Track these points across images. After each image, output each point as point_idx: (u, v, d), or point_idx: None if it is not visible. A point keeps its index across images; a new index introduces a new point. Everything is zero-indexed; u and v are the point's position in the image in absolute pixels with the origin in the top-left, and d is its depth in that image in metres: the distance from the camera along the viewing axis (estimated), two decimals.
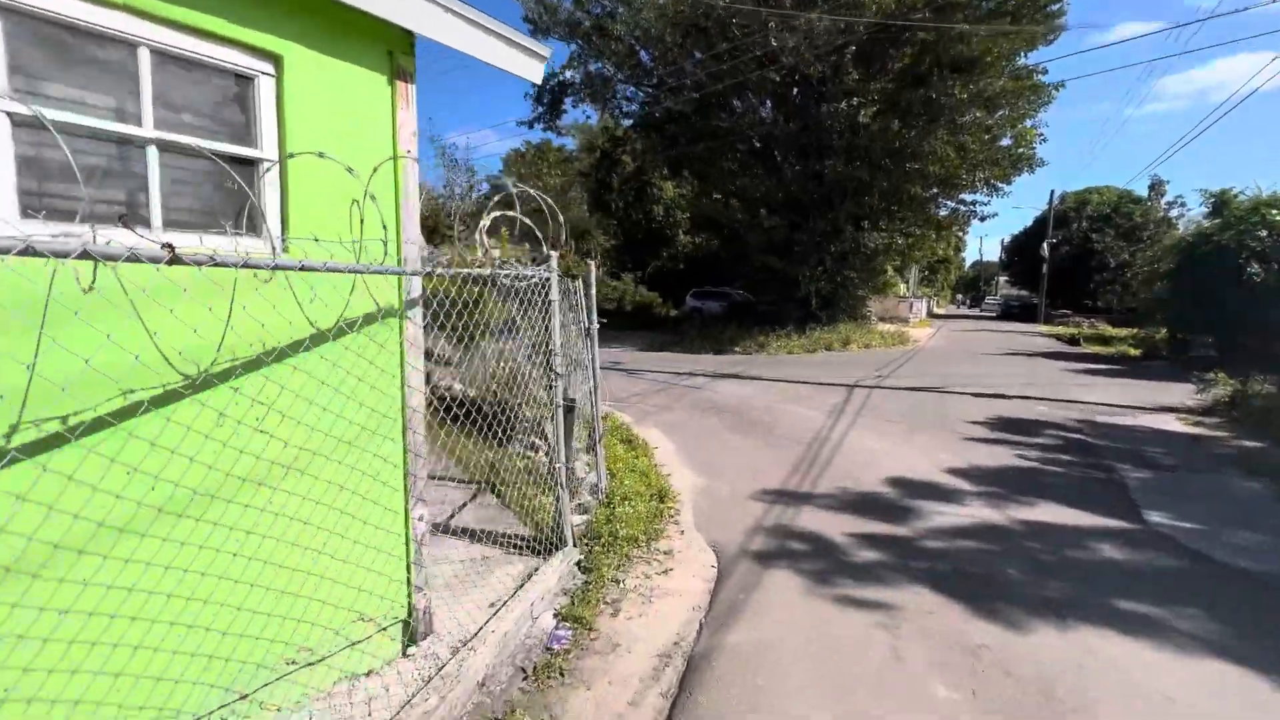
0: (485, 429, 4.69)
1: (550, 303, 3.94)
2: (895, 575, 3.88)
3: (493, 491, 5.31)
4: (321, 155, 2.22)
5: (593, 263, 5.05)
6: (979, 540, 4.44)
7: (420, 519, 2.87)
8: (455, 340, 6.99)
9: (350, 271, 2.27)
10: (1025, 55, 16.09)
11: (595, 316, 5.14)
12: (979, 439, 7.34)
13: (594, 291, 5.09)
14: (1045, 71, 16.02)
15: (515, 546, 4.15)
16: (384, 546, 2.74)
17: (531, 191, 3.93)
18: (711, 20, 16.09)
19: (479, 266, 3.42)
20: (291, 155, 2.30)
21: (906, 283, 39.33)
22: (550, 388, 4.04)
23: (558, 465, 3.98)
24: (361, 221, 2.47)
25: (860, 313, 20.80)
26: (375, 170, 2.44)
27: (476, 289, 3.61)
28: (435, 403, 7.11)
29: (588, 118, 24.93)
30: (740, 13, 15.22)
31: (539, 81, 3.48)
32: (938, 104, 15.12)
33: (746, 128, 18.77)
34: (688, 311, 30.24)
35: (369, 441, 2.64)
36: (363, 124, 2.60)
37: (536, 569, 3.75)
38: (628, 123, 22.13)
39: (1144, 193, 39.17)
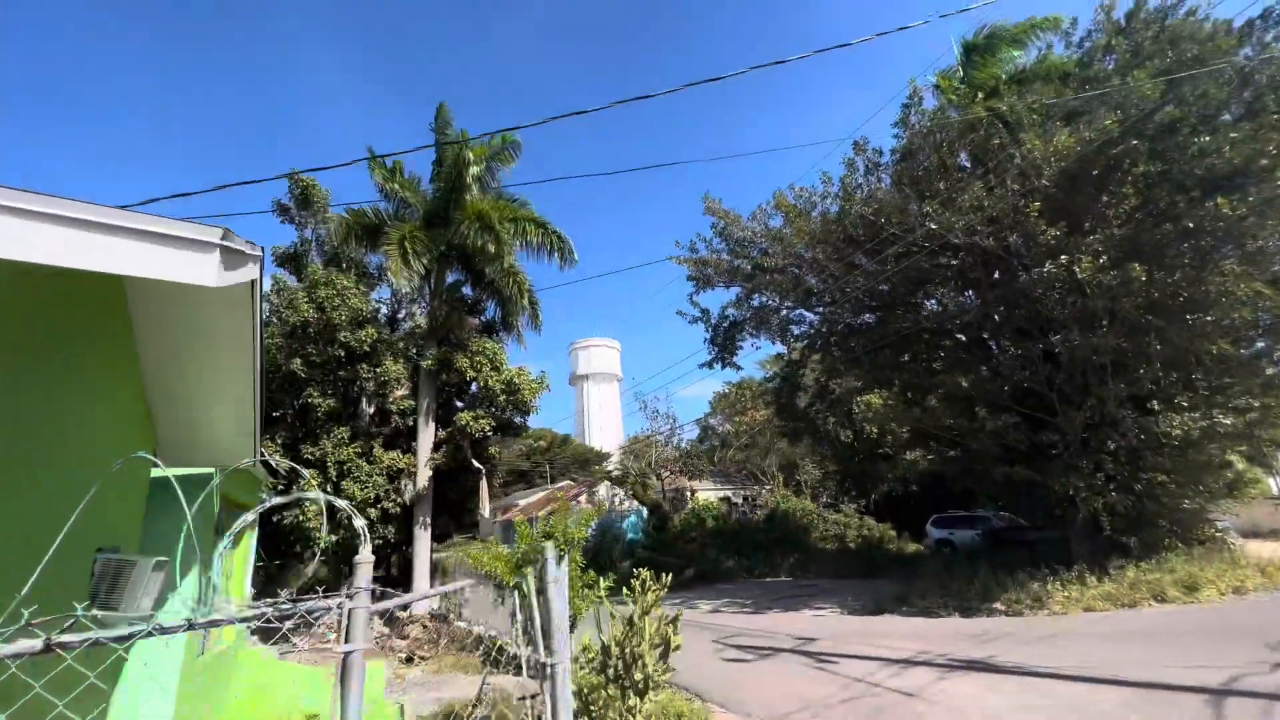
0: None
1: (347, 664, 2.07)
2: None
3: None
4: None
5: (549, 545, 3.12)
6: None
7: None
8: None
9: None
10: None
11: (563, 641, 3.00)
12: None
13: (561, 594, 3.04)
14: None
15: None
16: None
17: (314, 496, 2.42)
18: (860, 228, 15.11)
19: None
20: None
21: (1276, 473, 27.04)
22: None
23: None
24: None
25: (1200, 531, 13.73)
26: None
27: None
28: None
29: (756, 348, 24.48)
30: (885, 211, 14.01)
31: (212, 284, 2.25)
32: (1204, 233, 11.06)
33: (938, 321, 16.06)
34: (931, 545, 24.14)
35: None
36: None
37: None
38: (798, 345, 20.97)
39: None
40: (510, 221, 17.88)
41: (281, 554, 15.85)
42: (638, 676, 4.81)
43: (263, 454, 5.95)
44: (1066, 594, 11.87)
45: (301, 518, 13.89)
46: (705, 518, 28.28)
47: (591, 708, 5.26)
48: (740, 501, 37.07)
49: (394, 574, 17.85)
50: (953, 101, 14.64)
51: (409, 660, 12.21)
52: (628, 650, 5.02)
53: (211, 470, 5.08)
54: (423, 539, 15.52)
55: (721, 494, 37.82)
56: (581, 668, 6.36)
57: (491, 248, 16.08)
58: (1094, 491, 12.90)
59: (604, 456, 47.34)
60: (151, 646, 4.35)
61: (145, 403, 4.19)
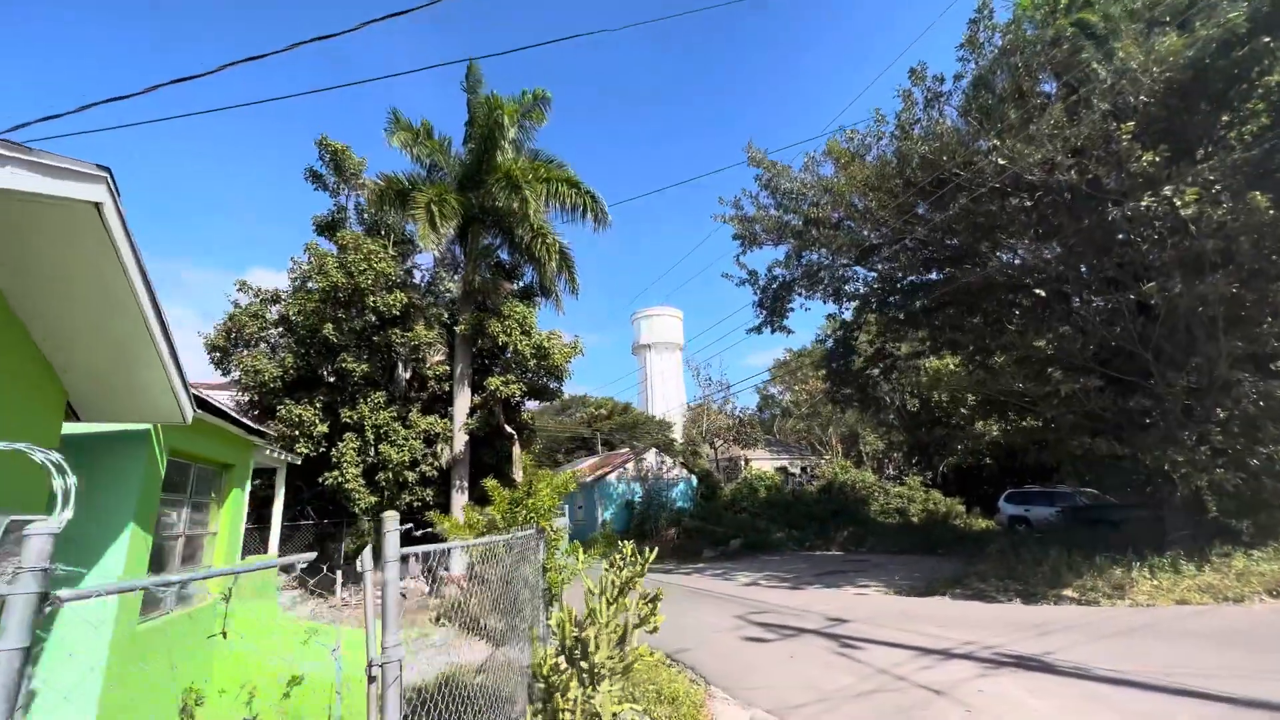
0: None
1: None
2: None
3: None
4: None
5: (389, 517, 2.50)
6: None
7: None
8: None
9: None
10: None
11: (397, 635, 2.40)
12: None
13: (393, 579, 2.42)
14: None
15: None
16: None
17: None
18: (919, 169, 13.39)
19: None
20: None
21: None
22: None
23: None
24: None
25: None
26: None
27: None
28: None
29: (807, 309, 22.90)
30: (948, 149, 12.28)
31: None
32: None
33: (1011, 275, 14.17)
34: (1004, 522, 22.25)
35: None
36: None
37: None
38: (852, 304, 19.34)
39: None
40: (542, 181, 17.27)
41: (330, 514, 16.47)
42: (585, 666, 4.22)
43: (217, 405, 5.71)
44: (1155, 582, 10.29)
45: (341, 479, 14.25)
46: (758, 487, 27.37)
47: (555, 693, 4.73)
48: (798, 472, 35.78)
49: (438, 535, 18.26)
50: (1030, 16, 12.51)
51: (437, 620, 12.34)
52: (586, 635, 4.43)
53: (147, 427, 4.83)
54: (459, 502, 15.63)
55: (778, 464, 36.64)
56: (558, 650, 5.90)
57: (518, 208, 15.58)
58: (1196, 467, 11.05)
59: (666, 425, 46.82)
60: (66, 619, 4.15)
61: (43, 356, 3.90)
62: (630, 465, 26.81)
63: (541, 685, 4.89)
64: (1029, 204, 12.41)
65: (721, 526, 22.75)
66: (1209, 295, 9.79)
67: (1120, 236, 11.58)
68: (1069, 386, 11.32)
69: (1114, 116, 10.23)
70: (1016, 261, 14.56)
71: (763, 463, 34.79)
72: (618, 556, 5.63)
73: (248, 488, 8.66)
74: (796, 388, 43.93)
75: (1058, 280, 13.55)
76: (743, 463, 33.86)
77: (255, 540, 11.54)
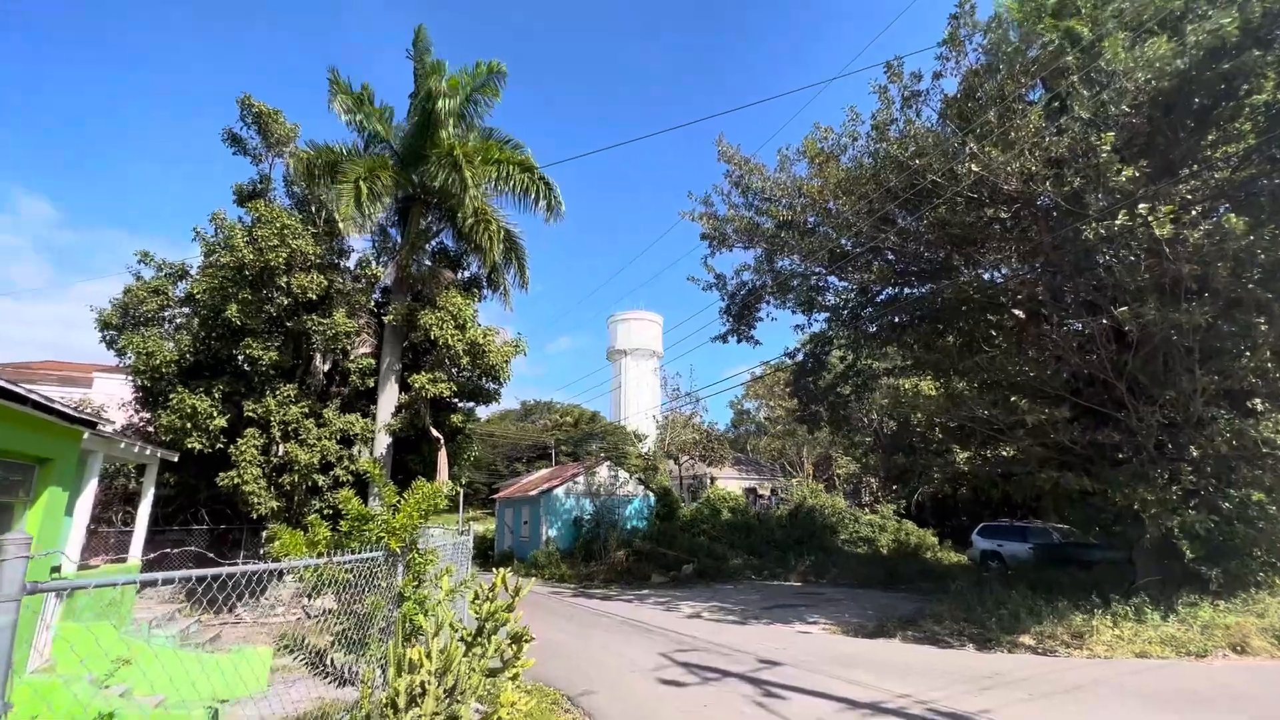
0: None
1: None
2: None
3: None
4: None
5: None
6: None
7: None
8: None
9: None
10: None
11: None
12: None
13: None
14: None
15: None
16: None
17: None
18: (893, 173, 13.17)
19: None
20: None
21: None
22: None
23: None
24: None
25: None
26: None
27: None
28: None
29: (774, 320, 22.55)
30: (924, 152, 12.05)
31: None
32: None
33: (985, 292, 14.01)
34: (977, 556, 22.15)
35: None
36: None
37: None
38: (823, 316, 19.08)
39: None
40: (491, 163, 16.74)
41: (229, 518, 15.57)
42: None
43: (18, 388, 5.03)
44: (1117, 631, 10.07)
45: (239, 480, 13.42)
46: (720, 509, 26.93)
47: None
48: (767, 494, 35.49)
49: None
50: (1013, 17, 12.42)
51: (284, 648, 11.57)
52: (396, 686, 3.88)
53: None
54: (377, 510, 14.88)
55: (747, 484, 36.32)
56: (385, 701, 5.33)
57: (458, 188, 14.99)
58: (1167, 508, 10.90)
59: (638, 437, 46.07)
60: None
61: None
62: (581, 479, 26.16)
63: None
64: (1005, 216, 12.24)
65: (675, 550, 22.24)
66: (1184, 324, 9.63)
67: (1100, 260, 11.45)
68: (1036, 416, 11.10)
69: (1095, 127, 10.07)
70: (997, 279, 14.43)
71: (730, 482, 34.42)
72: (484, 586, 5.12)
73: (91, 485, 7.91)
74: (772, 404, 43.83)
75: (1035, 301, 13.41)
76: (708, 481, 33.45)
77: (116, 547, 10.66)
